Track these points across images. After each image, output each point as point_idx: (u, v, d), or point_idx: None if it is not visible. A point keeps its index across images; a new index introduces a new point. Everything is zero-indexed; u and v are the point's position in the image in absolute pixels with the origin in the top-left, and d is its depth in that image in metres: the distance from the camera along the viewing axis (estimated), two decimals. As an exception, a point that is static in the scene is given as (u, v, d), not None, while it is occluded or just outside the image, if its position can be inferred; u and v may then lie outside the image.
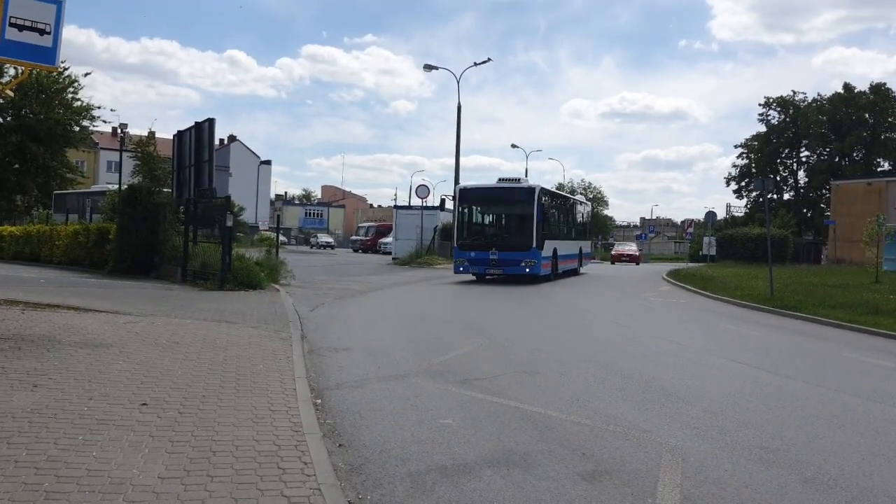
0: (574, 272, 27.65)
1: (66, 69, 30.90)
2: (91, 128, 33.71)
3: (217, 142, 19.81)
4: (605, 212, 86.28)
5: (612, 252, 50.23)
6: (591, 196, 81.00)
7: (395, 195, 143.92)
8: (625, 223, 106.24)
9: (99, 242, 19.26)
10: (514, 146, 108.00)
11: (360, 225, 64.90)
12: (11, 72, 28.06)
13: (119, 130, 37.73)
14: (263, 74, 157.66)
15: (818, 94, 67.53)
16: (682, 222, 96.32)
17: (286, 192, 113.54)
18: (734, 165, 71.32)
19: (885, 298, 16.73)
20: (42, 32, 8.30)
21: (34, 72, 23.48)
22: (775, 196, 63.18)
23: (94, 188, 36.68)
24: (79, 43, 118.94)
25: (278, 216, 40.04)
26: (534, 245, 21.31)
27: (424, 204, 34.50)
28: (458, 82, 35.00)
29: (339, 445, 5.00)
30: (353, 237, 60.03)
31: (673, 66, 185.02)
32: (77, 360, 6.88)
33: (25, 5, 8.19)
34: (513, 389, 6.93)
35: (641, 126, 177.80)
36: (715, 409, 6.44)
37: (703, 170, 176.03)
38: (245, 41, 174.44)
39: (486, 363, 8.33)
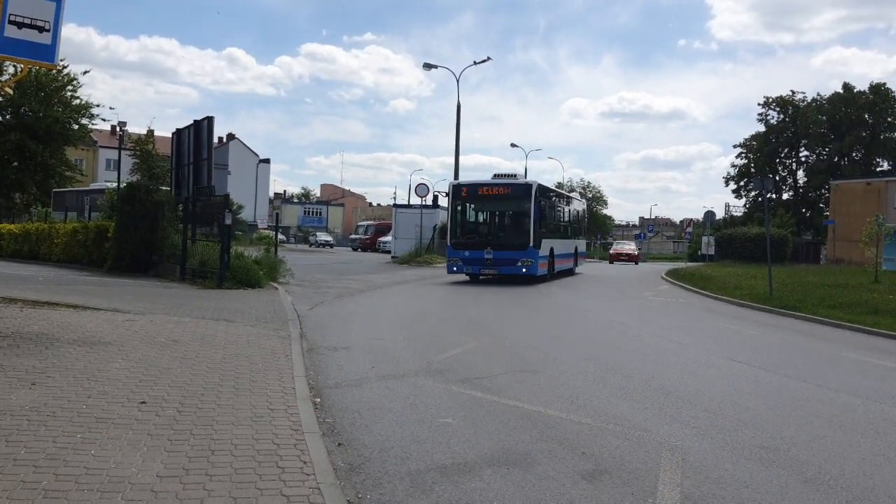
0: (569, 272, 26.84)
1: (65, 67, 30.83)
2: (90, 126, 33.63)
3: (216, 140, 19.76)
4: (604, 211, 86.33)
5: (611, 251, 49.81)
6: (590, 195, 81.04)
7: (395, 194, 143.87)
8: (624, 222, 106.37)
9: (98, 240, 19.25)
10: (513, 145, 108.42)
11: (360, 223, 64.87)
12: (11, 69, 28.00)
13: (118, 128, 37.71)
14: (262, 73, 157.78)
15: (818, 94, 67.70)
16: (681, 222, 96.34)
17: (285, 191, 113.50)
18: (733, 165, 71.49)
19: (885, 298, 16.73)
20: (41, 30, 8.27)
21: (33, 69, 23.44)
22: (774, 196, 63.18)
23: (93, 186, 36.60)
24: (78, 41, 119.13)
25: (277, 214, 40.06)
26: (531, 244, 20.49)
27: (424, 203, 34.51)
28: (457, 81, 35.03)
29: (339, 444, 4.99)
30: (353, 236, 60.02)
31: (672, 66, 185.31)
32: (75, 358, 6.87)
33: (25, 3, 8.15)
34: (513, 388, 6.91)
35: (641, 125, 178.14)
36: (715, 408, 6.43)
37: (702, 169, 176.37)
38: (244, 39, 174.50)
39: (486, 362, 8.32)
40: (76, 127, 32.45)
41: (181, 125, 17.96)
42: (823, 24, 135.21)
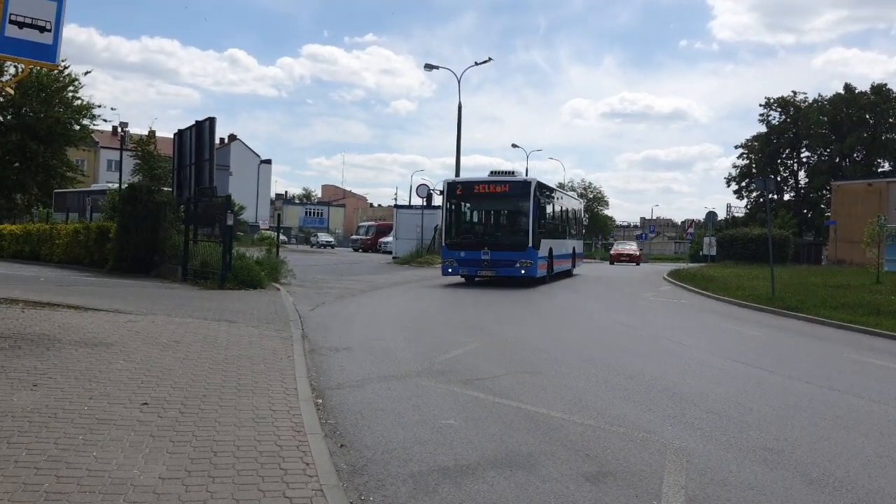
0: (567, 273, 26.12)
1: (66, 68, 30.85)
2: (91, 126, 33.65)
3: (217, 141, 19.73)
4: (606, 212, 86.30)
5: (611, 252, 49.22)
6: (591, 196, 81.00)
7: (396, 194, 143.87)
8: (625, 223, 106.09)
9: (99, 241, 19.25)
10: (514, 146, 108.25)
11: (361, 224, 64.85)
12: (12, 70, 28.03)
13: (119, 129, 37.76)
14: (264, 74, 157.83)
15: (819, 95, 67.71)
16: (683, 222, 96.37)
17: (286, 192, 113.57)
18: (734, 166, 71.55)
19: (887, 299, 16.70)
20: (42, 30, 8.27)
21: (34, 70, 23.48)
22: (776, 196, 63.19)
23: (95, 187, 36.62)
24: (79, 42, 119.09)
25: (278, 215, 40.00)
26: (530, 244, 19.52)
27: (425, 203, 34.51)
28: (458, 82, 34.99)
29: (341, 446, 4.97)
30: (354, 236, 59.98)
31: (673, 66, 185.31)
32: (77, 359, 6.85)
33: (26, 2, 8.16)
34: (515, 390, 6.89)
35: (642, 126, 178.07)
36: (718, 409, 6.41)
37: (703, 170, 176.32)
38: (246, 40, 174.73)
39: (488, 363, 8.30)
40: (77, 128, 32.48)
41: (183, 126, 18.05)
42: (824, 24, 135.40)
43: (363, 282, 20.75)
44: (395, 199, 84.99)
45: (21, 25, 8.13)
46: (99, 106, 33.01)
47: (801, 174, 69.80)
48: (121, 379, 6.15)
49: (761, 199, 55.63)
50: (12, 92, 28.94)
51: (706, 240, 38.31)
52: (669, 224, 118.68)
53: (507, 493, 4.16)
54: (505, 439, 5.23)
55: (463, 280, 21.32)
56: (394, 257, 35.10)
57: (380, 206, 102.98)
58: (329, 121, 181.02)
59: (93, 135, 38.85)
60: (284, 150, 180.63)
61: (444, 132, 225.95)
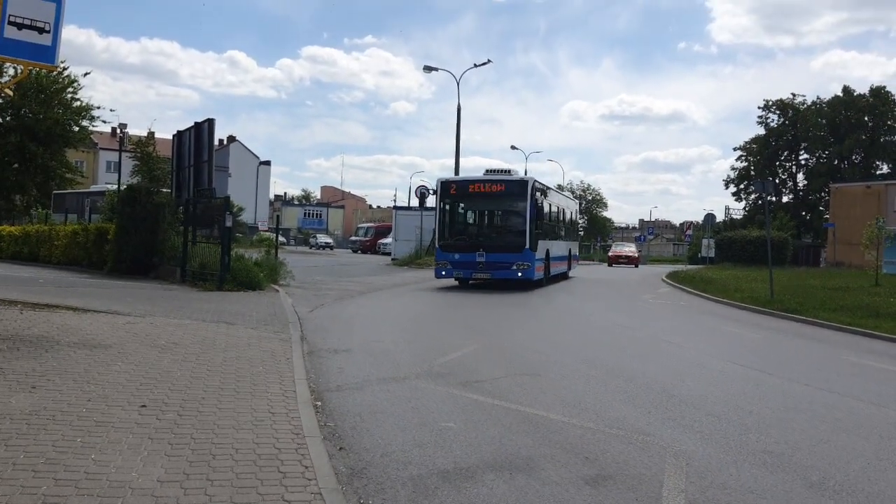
0: (564, 276, 25.71)
1: (65, 69, 30.79)
2: (90, 128, 33.56)
3: (216, 142, 19.74)
4: (604, 214, 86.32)
5: (609, 253, 48.97)
6: (590, 198, 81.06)
7: (395, 196, 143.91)
8: (624, 225, 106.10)
9: (98, 242, 19.21)
10: (513, 147, 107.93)
11: (360, 225, 64.85)
12: (11, 71, 27.98)
13: (118, 130, 37.73)
14: (263, 75, 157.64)
15: (817, 97, 67.97)
16: (681, 224, 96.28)
17: (285, 193, 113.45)
18: (733, 168, 71.40)
19: (886, 301, 16.72)
20: (41, 31, 8.25)
21: (33, 71, 23.41)
22: (774, 198, 63.22)
23: (94, 188, 36.60)
24: (78, 43, 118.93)
25: (277, 216, 39.94)
26: (527, 245, 18.86)
27: (418, 203, 34.52)
28: (457, 84, 35.03)
29: (340, 449, 4.96)
30: (353, 238, 59.95)
31: (672, 69, 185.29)
32: (75, 361, 6.84)
33: (25, 3, 8.13)
34: (514, 392, 6.88)
35: (640, 128, 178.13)
36: (718, 412, 6.40)
37: (702, 172, 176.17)
38: (245, 42, 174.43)
39: (487, 365, 8.29)
40: (76, 129, 32.40)
41: (182, 127, 17.96)
42: (823, 26, 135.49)
43: (362, 283, 20.73)
44: (395, 201, 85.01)
45: (20, 26, 8.11)
46: (98, 107, 33.00)
47: (800, 176, 69.84)
48: (119, 381, 6.14)
49: (760, 201, 55.67)
50: (11, 93, 28.84)
51: (705, 242, 38.34)
52: (668, 226, 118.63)
53: (507, 496, 4.15)
54: (504, 442, 5.22)
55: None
56: (393, 259, 35.10)
57: (379, 207, 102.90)
58: (328, 122, 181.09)
59: (92, 136, 38.81)
60: (283, 151, 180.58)
61: (444, 134, 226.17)
